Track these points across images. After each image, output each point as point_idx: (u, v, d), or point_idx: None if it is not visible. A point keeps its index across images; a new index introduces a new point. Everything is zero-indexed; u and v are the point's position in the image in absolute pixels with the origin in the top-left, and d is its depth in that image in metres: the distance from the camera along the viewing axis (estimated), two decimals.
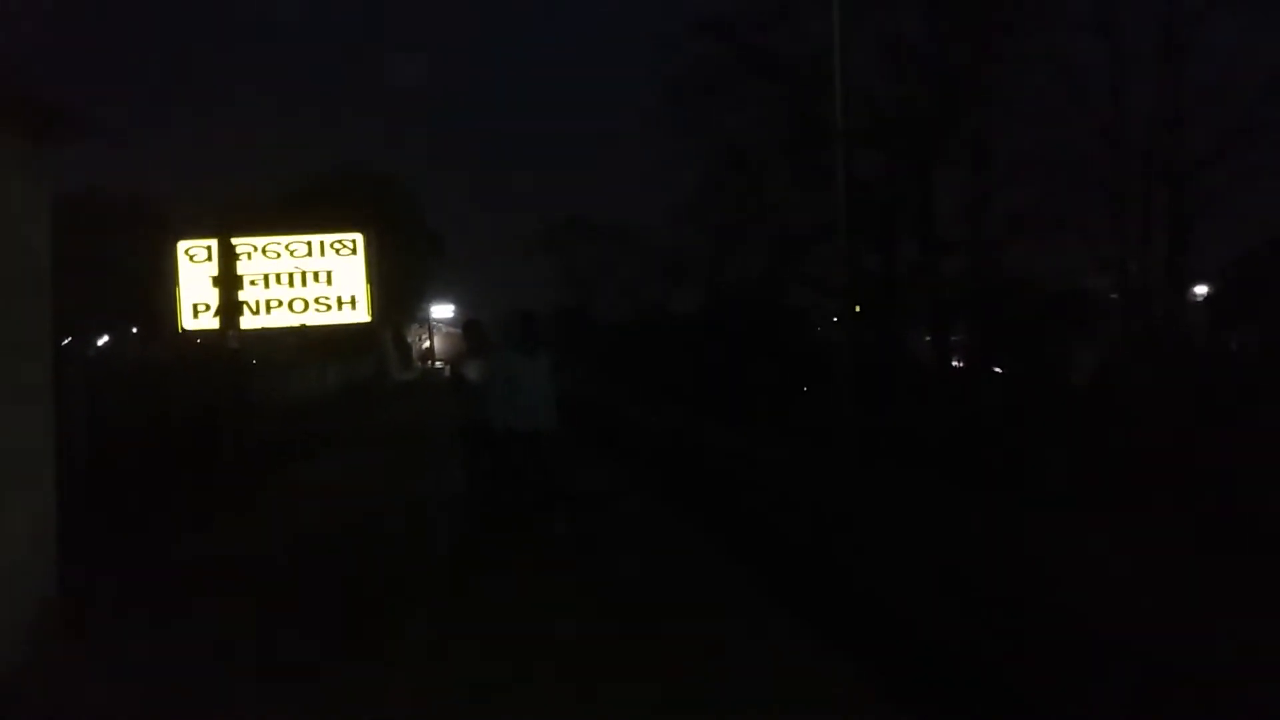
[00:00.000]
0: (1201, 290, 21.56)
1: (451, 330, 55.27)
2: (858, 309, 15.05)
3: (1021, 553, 7.60)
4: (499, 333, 9.06)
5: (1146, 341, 14.43)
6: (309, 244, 11.31)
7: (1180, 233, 16.15)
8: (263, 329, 11.44)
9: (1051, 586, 6.66)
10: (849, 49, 14.35)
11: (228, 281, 11.25)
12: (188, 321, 11.43)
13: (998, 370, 17.04)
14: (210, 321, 11.45)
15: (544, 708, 4.53)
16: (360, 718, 4.50)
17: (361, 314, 11.06)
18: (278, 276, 11.32)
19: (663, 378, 28.16)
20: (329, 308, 11.13)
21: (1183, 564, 6.86)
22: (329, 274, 11.20)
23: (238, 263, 11.35)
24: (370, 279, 11.09)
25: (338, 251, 11.23)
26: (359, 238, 11.23)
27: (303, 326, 11.32)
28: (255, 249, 11.46)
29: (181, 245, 11.44)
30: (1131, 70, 16.71)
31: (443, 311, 56.02)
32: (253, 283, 11.38)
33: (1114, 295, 18.56)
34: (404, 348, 48.72)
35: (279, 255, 11.36)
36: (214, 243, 11.30)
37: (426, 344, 52.04)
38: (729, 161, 24.80)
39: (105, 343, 37.76)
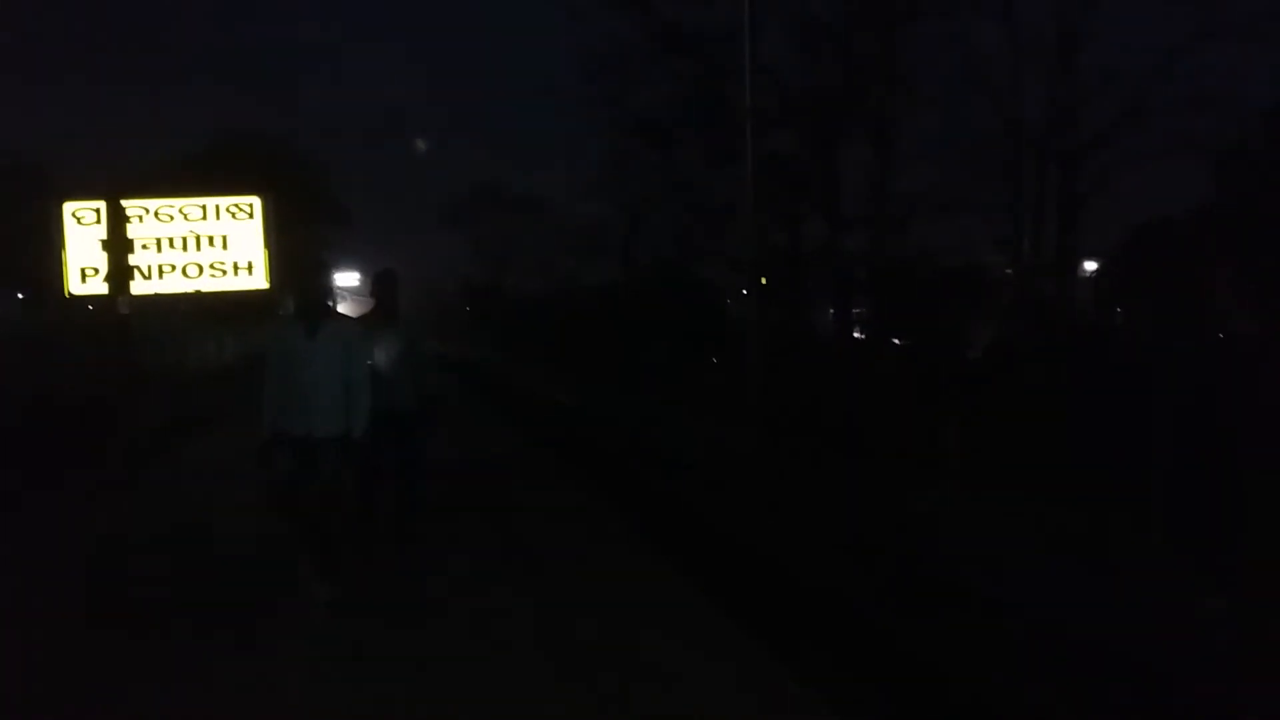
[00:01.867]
0: (1091, 267, 22.50)
1: (358, 296, 54.15)
2: (764, 282, 15.27)
3: (864, 505, 7.89)
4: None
5: (1035, 316, 15.02)
6: (204, 207, 10.90)
7: (1071, 212, 16.81)
8: (155, 295, 11.01)
9: (890, 530, 6.95)
10: (759, 29, 14.46)
11: (117, 245, 10.80)
12: (75, 286, 10.94)
13: (896, 342, 17.53)
14: (99, 286, 10.98)
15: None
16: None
17: (259, 280, 10.72)
18: (170, 240, 10.89)
19: (574, 350, 28.14)
20: (224, 273, 10.77)
21: (1034, 520, 7.26)
22: (225, 238, 10.82)
23: (128, 226, 10.89)
24: (268, 244, 10.77)
25: (234, 215, 10.86)
26: (257, 201, 10.87)
27: (197, 293, 10.95)
28: (147, 212, 10.99)
29: (68, 207, 10.90)
30: (1029, 55, 17.27)
31: (348, 280, 54.79)
32: (144, 247, 10.93)
33: (1008, 271, 19.25)
34: None
35: (172, 219, 10.92)
36: (103, 204, 10.82)
37: None
38: (641, 136, 24.84)
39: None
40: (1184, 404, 7.78)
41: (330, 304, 5.88)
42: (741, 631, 5.19)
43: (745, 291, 17.72)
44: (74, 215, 11.04)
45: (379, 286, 6.68)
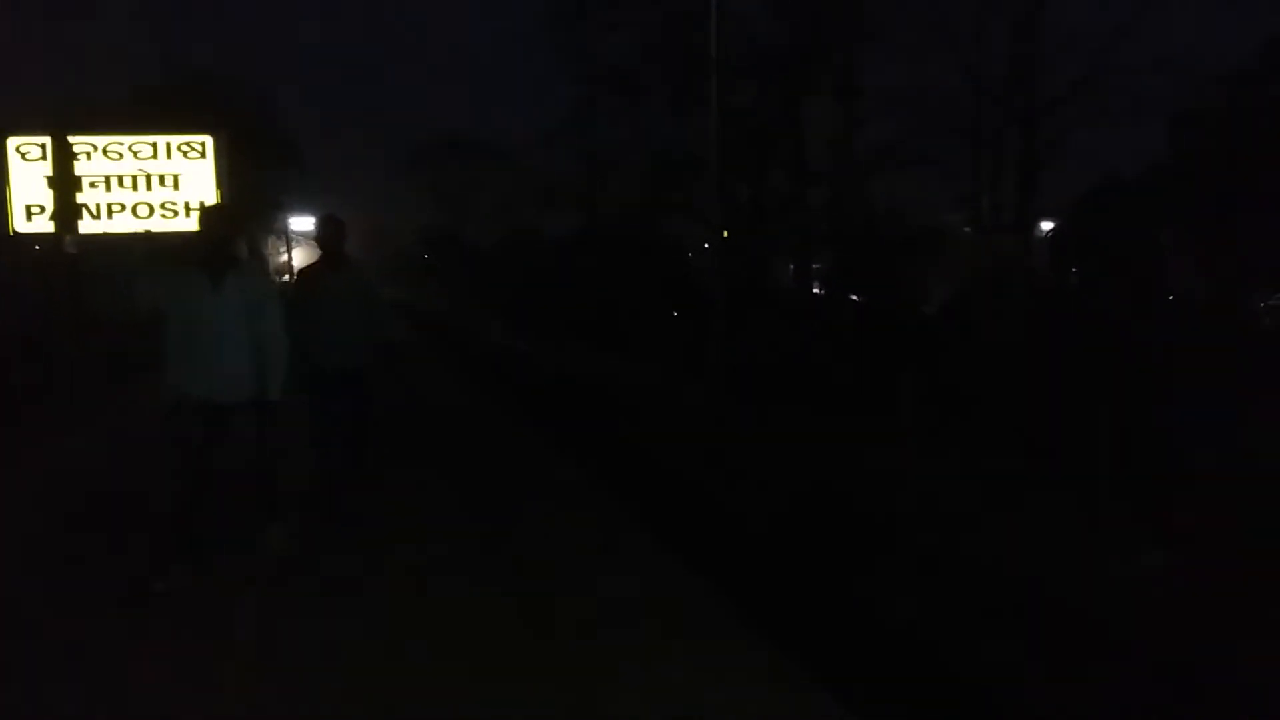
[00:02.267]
0: (1048, 226, 22.76)
1: (310, 241, 53.37)
2: (726, 236, 15.27)
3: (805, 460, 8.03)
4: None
5: (993, 275, 15.20)
6: (154, 145, 10.62)
7: (1030, 171, 16.93)
8: (104, 234, 10.77)
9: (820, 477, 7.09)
10: None
11: (64, 182, 10.51)
12: (20, 224, 10.65)
13: (855, 298, 17.67)
14: (45, 225, 10.70)
15: None
16: None
17: None
18: (120, 179, 10.61)
19: (534, 302, 28.01)
20: (176, 214, 10.52)
21: (984, 476, 7.42)
22: (176, 178, 10.56)
23: (76, 163, 10.60)
24: (220, 184, 10.54)
25: (185, 154, 10.60)
26: (209, 140, 10.61)
27: (147, 233, 10.71)
28: (95, 149, 10.69)
29: (11, 142, 10.56)
30: (995, 11, 17.24)
31: (303, 224, 53.87)
32: (93, 185, 10.65)
33: (967, 230, 19.43)
34: (260, 259, 46.83)
35: (121, 156, 10.63)
36: (48, 140, 10.51)
37: (285, 257, 50.15)
38: (606, 85, 24.58)
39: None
40: (1126, 367, 7.98)
41: (239, 251, 5.04)
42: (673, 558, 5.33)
43: (707, 245, 17.73)
44: (18, 150, 10.71)
45: (324, 233, 6.10)
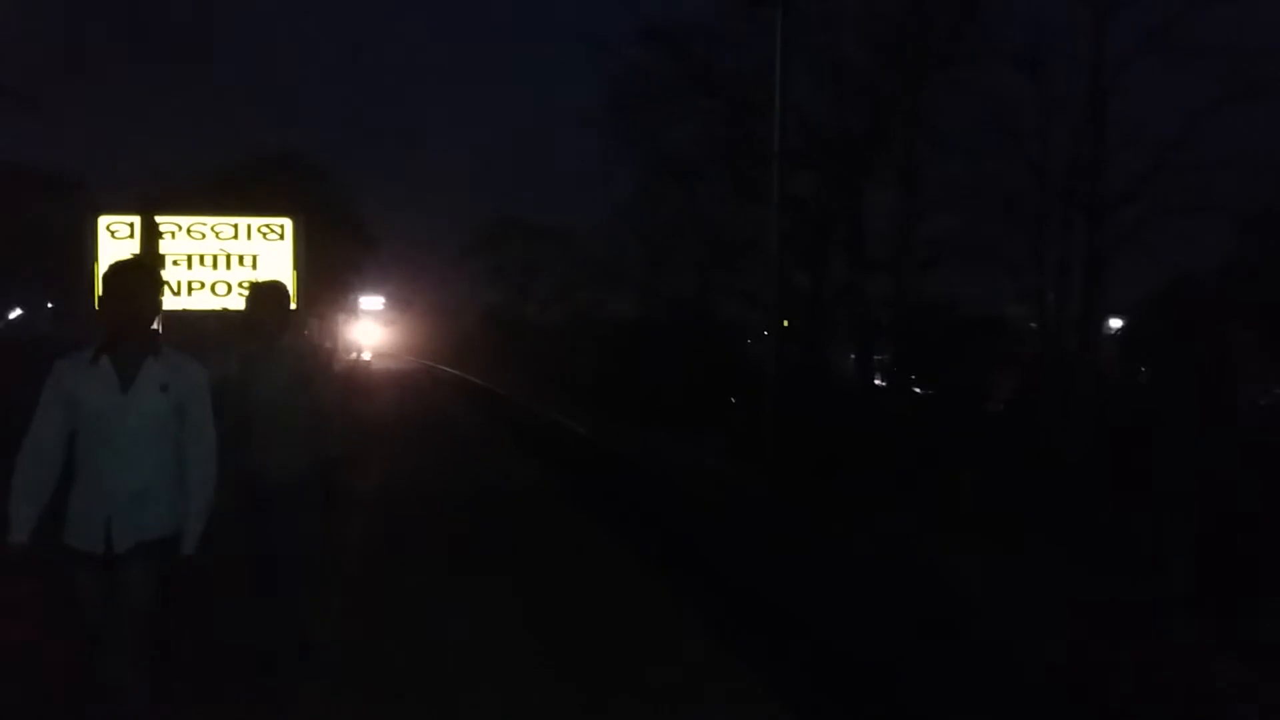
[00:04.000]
0: (1116, 324, 22.37)
1: (370, 310, 54.53)
2: (786, 324, 15.29)
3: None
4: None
5: (1059, 371, 14.93)
6: (235, 226, 11.06)
7: (1096, 267, 16.74)
8: (184, 311, 11.14)
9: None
10: (789, 69, 14.59)
11: (152, 265, 10.94)
12: None
13: (918, 390, 17.46)
14: None
15: None
16: None
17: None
18: (201, 258, 11.03)
19: (592, 382, 28.18)
20: None
21: (1057, 583, 7.17)
22: (255, 258, 10.95)
23: (161, 241, 11.05)
24: (298, 266, 10.89)
25: (265, 236, 11.00)
26: (288, 223, 11.02)
27: (225, 310, 11.06)
28: (179, 228, 11.15)
29: (103, 220, 11.07)
30: (1058, 107, 17.31)
31: (372, 303, 55.29)
32: (175, 263, 11.08)
33: (1032, 324, 19.17)
34: (331, 338, 47.94)
35: (204, 236, 11.07)
36: (137, 219, 10.99)
37: (353, 333, 51.28)
38: (666, 171, 25.02)
39: (17, 316, 36.39)
40: (1199, 471, 7.74)
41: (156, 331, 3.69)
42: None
43: (765, 332, 17.75)
44: (108, 229, 11.19)
45: (256, 304, 4.75)
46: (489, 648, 5.38)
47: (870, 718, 4.88)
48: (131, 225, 11.07)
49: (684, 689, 4.88)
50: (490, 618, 5.98)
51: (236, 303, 11.10)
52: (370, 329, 56.67)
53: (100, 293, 3.48)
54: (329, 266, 30.69)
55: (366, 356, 51.03)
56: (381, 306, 57.92)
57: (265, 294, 4.84)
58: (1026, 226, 17.76)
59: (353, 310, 50.36)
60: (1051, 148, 17.41)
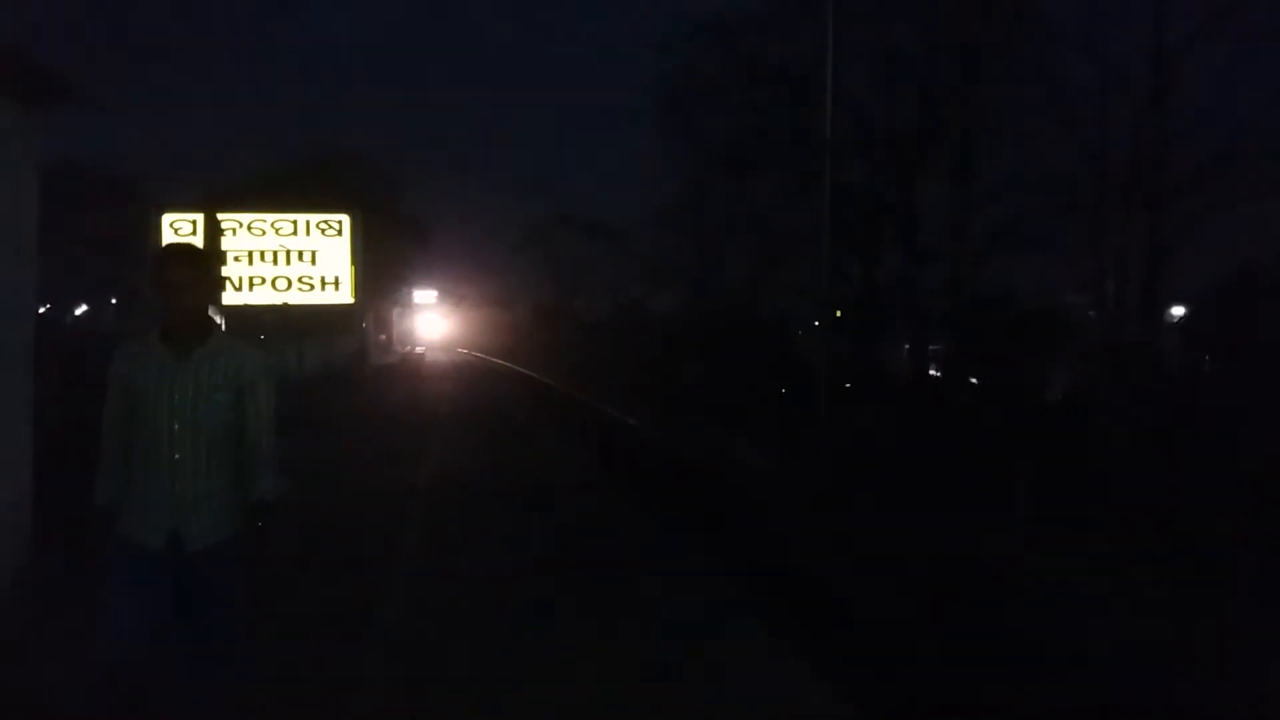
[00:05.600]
0: (1178, 312, 21.88)
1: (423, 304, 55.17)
2: (839, 315, 15.18)
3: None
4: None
5: (1118, 362, 14.65)
6: (295, 223, 11.31)
7: (1157, 256, 16.37)
8: (244, 306, 11.41)
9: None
10: (840, 60, 14.44)
11: (212, 256, 11.22)
12: None
13: (973, 381, 17.24)
14: None
15: None
16: None
17: (345, 296, 11.06)
18: (262, 254, 11.31)
19: (641, 376, 28.24)
20: (312, 287, 11.12)
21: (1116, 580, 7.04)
22: (314, 254, 11.19)
23: (223, 238, 11.33)
24: (355, 261, 11.10)
25: (323, 232, 11.23)
26: (346, 219, 11.24)
27: (285, 305, 11.30)
28: (240, 225, 11.44)
29: (167, 218, 11.40)
30: (1117, 93, 16.93)
31: (425, 297, 56.00)
32: (236, 259, 11.37)
33: (1091, 314, 18.81)
34: (385, 331, 48.62)
35: (264, 233, 11.35)
36: (200, 216, 11.28)
37: (406, 326, 52.02)
38: (718, 165, 24.95)
39: (83, 312, 37.51)
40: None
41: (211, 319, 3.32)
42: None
43: (817, 324, 17.65)
44: (172, 226, 11.51)
45: (161, 273, 3.14)
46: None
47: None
48: (194, 222, 11.37)
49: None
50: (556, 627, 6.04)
51: (296, 298, 11.37)
52: (423, 322, 57.41)
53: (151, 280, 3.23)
54: (383, 261, 31.15)
55: (420, 350, 51.75)
56: (434, 300, 58.69)
57: (180, 256, 3.24)
58: (1084, 215, 17.42)
59: (406, 304, 51.06)
60: (1111, 136, 17.05)
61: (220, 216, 11.45)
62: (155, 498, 3.12)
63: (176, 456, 3.11)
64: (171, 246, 3.42)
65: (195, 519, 3.12)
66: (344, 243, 11.15)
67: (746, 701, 4.58)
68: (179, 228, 11.57)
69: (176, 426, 3.12)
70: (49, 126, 5.87)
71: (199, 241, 11.20)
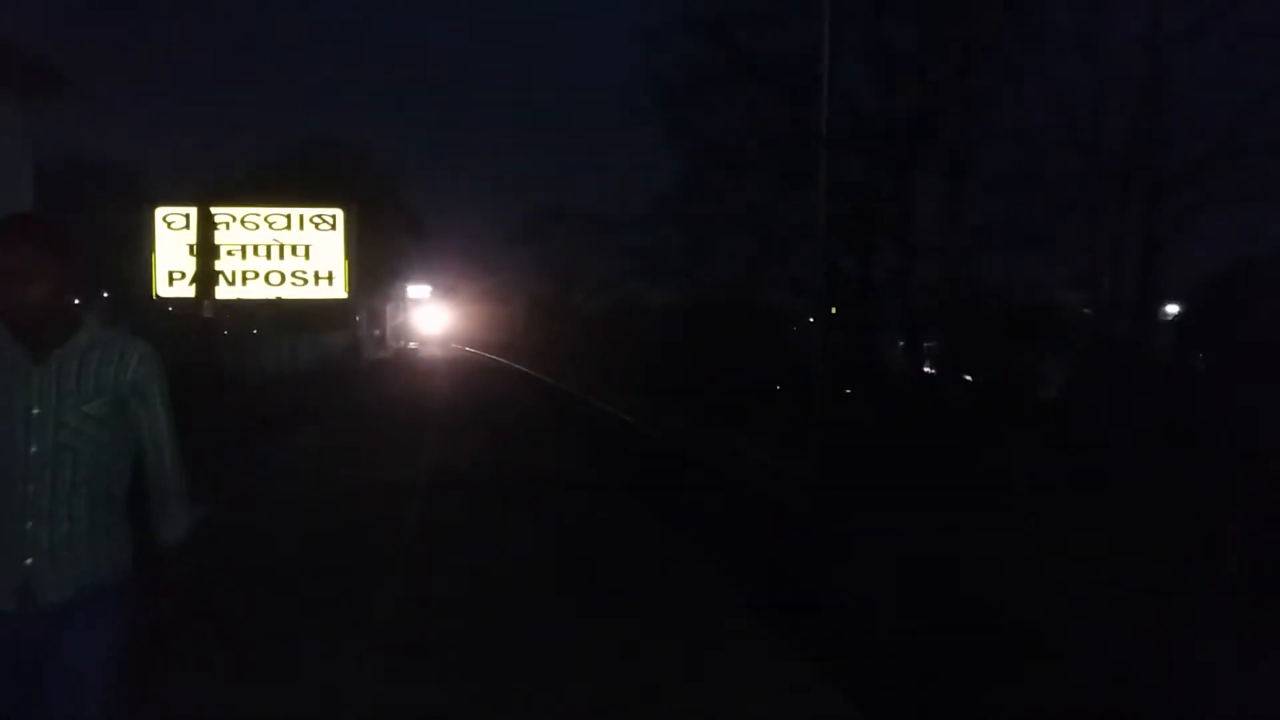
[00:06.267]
0: (1173, 309, 21.88)
1: (417, 298, 55.12)
2: (834, 311, 15.16)
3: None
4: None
5: (1112, 358, 14.65)
6: (288, 217, 11.27)
7: (1152, 251, 16.38)
8: (237, 300, 11.38)
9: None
10: (836, 55, 14.42)
11: (205, 250, 11.18)
12: (162, 288, 11.37)
13: (968, 378, 17.25)
14: (185, 289, 11.40)
15: None
16: None
17: (338, 290, 11.02)
18: (255, 248, 11.26)
19: (635, 369, 28.22)
20: (305, 282, 11.07)
21: (1113, 572, 7.04)
22: (307, 248, 11.14)
23: (216, 232, 11.28)
24: (349, 255, 11.06)
25: (317, 226, 11.18)
26: (339, 213, 11.20)
27: (278, 299, 11.27)
28: (234, 219, 11.39)
29: (160, 211, 11.36)
30: (1113, 88, 16.93)
31: (419, 292, 55.94)
32: (230, 253, 11.32)
33: (1086, 310, 18.81)
34: (379, 326, 48.54)
35: (257, 227, 11.30)
36: (193, 210, 11.25)
37: (400, 321, 51.94)
38: (712, 159, 24.89)
39: (74, 305, 37.37)
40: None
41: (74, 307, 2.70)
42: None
43: (811, 320, 17.65)
44: (164, 220, 11.47)
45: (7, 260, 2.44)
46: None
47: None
48: (187, 216, 11.31)
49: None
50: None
51: (289, 292, 11.32)
52: (417, 317, 57.33)
53: None
54: (377, 256, 31.08)
55: (414, 345, 51.68)
56: (428, 295, 58.64)
57: (10, 232, 2.47)
58: (1078, 210, 17.43)
59: (400, 299, 50.99)
60: (1106, 131, 17.05)
61: (213, 210, 11.40)
62: (2, 543, 2.40)
63: (31, 488, 2.39)
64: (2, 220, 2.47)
65: (51, 568, 2.40)
66: (338, 237, 11.11)
67: (746, 701, 4.58)
68: (172, 221, 11.53)
69: (34, 449, 2.40)
70: (41, 117, 5.84)
71: (191, 236, 11.16)
